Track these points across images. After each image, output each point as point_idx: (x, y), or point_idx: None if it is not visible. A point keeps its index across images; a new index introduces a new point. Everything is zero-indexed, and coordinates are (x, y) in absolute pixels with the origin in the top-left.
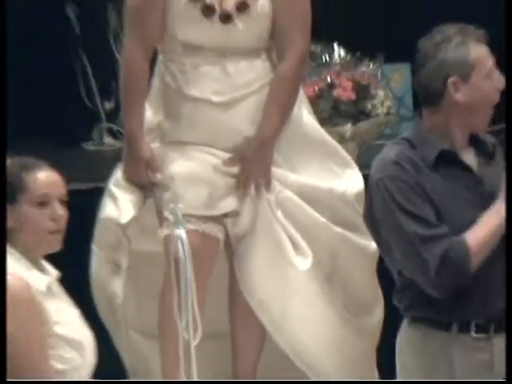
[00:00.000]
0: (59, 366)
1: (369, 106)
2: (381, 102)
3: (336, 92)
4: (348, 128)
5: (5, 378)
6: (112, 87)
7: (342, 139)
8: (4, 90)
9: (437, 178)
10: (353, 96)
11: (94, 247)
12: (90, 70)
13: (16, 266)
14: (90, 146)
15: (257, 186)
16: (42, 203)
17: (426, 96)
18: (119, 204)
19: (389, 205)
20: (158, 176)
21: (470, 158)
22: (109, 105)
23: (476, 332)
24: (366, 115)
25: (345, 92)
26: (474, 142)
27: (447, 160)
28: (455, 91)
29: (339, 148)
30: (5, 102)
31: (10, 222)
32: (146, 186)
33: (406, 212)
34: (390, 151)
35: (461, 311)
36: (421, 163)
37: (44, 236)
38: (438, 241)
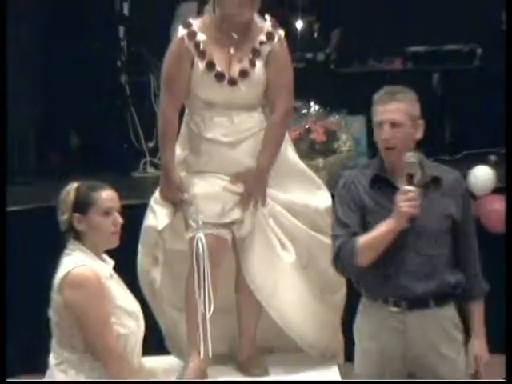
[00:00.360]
0: (122, 330)
1: (335, 146)
2: (344, 142)
3: (312, 135)
4: (320, 161)
5: (5, 378)
6: (153, 132)
7: (316, 169)
8: (4, 91)
9: (372, 194)
10: (324, 138)
11: (140, 246)
12: (137, 120)
13: (86, 259)
14: (137, 174)
15: (255, 201)
16: (106, 213)
17: None
18: (157, 215)
19: (333, 210)
20: (185, 195)
21: (402, 184)
22: (151, 144)
23: (393, 306)
24: (333, 152)
25: (318, 135)
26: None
27: (381, 182)
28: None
29: (314, 175)
30: (5, 105)
31: (82, 227)
32: (177, 202)
33: (336, 216)
34: (349, 172)
35: (383, 290)
36: (364, 182)
37: (108, 236)
38: (340, 238)
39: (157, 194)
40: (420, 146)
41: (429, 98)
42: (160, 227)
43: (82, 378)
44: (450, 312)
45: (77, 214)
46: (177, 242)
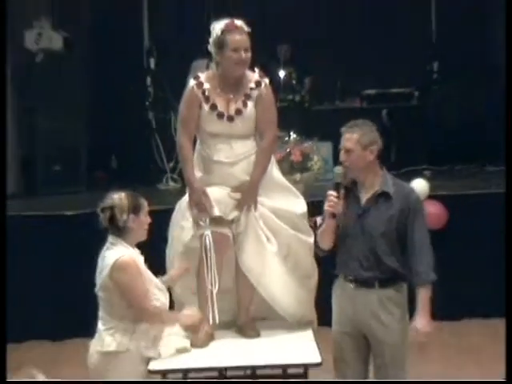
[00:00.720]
0: (156, 303)
1: (309, 165)
2: (315, 162)
3: (291, 157)
4: (298, 176)
5: (5, 378)
6: (172, 155)
7: (294, 183)
8: (4, 91)
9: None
10: (300, 159)
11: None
12: (160, 146)
13: (126, 250)
14: (161, 187)
15: (249, 206)
16: (146, 214)
17: None
18: (184, 237)
19: None
20: (207, 198)
21: (364, 195)
22: (171, 164)
23: (349, 283)
24: (307, 170)
25: (296, 157)
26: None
27: (349, 192)
28: None
29: (293, 187)
30: (4, 105)
31: (134, 225)
32: (201, 204)
33: None
34: None
35: (343, 271)
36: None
37: (144, 232)
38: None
39: (183, 210)
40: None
41: (378, 128)
42: (186, 239)
43: (125, 340)
44: (390, 292)
45: (132, 215)
46: (193, 241)
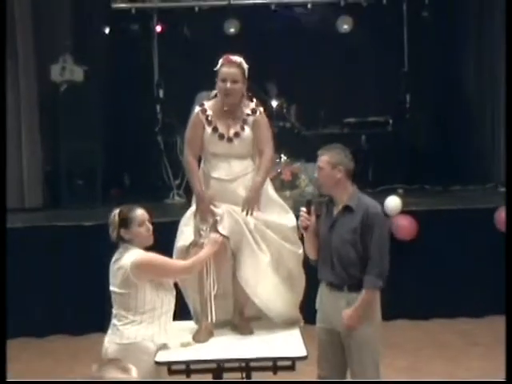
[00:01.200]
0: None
1: (297, 183)
2: (303, 180)
3: (282, 176)
4: (288, 193)
5: (5, 378)
6: (178, 173)
7: (284, 199)
8: (4, 92)
9: (325, 210)
10: (290, 178)
11: (174, 256)
12: (168, 165)
13: (138, 250)
14: (168, 201)
15: (251, 210)
16: (141, 224)
17: None
18: (185, 234)
19: None
20: (215, 209)
21: (336, 209)
22: (177, 181)
23: (325, 286)
24: (296, 187)
25: (286, 176)
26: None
27: (328, 207)
28: None
29: (284, 203)
30: (5, 108)
31: (127, 236)
32: (209, 215)
33: None
34: None
35: (321, 276)
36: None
37: (145, 239)
38: None
39: (185, 219)
40: (353, 182)
41: (358, 152)
42: (187, 243)
43: (140, 332)
44: (358, 295)
45: (122, 229)
46: (187, 245)
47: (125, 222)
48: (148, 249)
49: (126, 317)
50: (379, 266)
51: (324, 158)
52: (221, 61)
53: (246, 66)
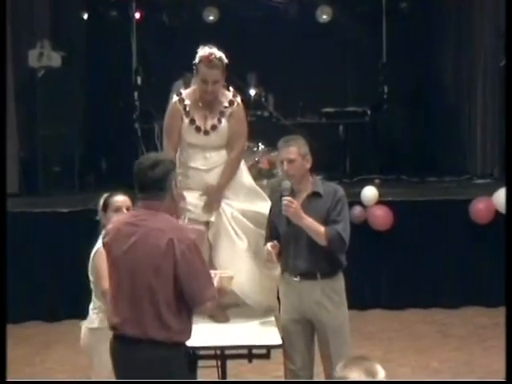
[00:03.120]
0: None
1: (274, 172)
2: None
3: (260, 165)
4: (265, 182)
5: (5, 378)
6: None
7: (262, 187)
8: (4, 93)
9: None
10: (268, 167)
11: None
12: (145, 153)
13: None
14: None
15: (212, 208)
16: (116, 210)
17: None
18: None
19: None
20: (181, 204)
21: (299, 200)
22: None
23: (294, 277)
24: (273, 176)
25: (264, 165)
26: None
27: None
28: None
29: (261, 191)
30: (4, 105)
31: (104, 221)
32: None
33: None
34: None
35: (286, 268)
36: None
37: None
38: None
39: None
40: (330, 172)
41: (335, 141)
42: None
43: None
44: (330, 282)
45: (102, 213)
46: None
47: (104, 206)
48: None
49: (96, 303)
50: (344, 234)
51: (294, 149)
52: (200, 55)
53: (225, 60)
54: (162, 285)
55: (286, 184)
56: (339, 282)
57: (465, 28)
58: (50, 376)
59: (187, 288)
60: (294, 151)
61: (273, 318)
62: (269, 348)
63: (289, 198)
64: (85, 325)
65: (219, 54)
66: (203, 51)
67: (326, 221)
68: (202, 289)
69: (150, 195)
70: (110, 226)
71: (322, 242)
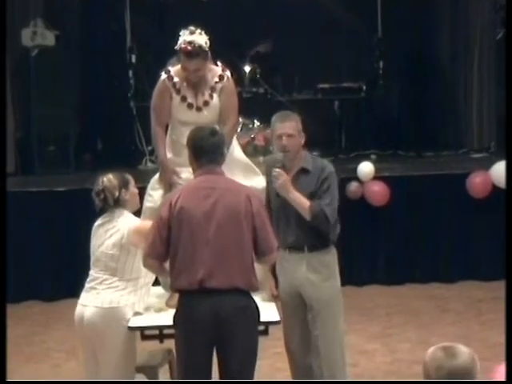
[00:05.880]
0: None
1: (270, 149)
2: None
3: (256, 142)
4: (261, 159)
5: (5, 378)
6: (150, 140)
7: (258, 164)
8: (4, 93)
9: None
10: (263, 143)
11: (142, 217)
12: (140, 131)
13: (134, 217)
14: (141, 167)
15: None
16: (134, 186)
17: None
18: (153, 198)
19: None
20: (177, 178)
21: (289, 173)
22: (150, 147)
23: (282, 251)
24: (269, 152)
25: (259, 142)
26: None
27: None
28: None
29: (255, 167)
30: (4, 107)
31: (128, 197)
32: (171, 183)
33: None
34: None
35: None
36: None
37: (137, 200)
38: None
39: (152, 182)
40: (326, 148)
41: (331, 117)
42: (156, 206)
43: (123, 298)
44: (318, 255)
45: (123, 190)
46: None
47: (125, 182)
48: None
49: (111, 281)
50: (328, 211)
51: (293, 124)
52: (180, 44)
53: (205, 39)
54: (246, 237)
55: (279, 156)
56: (329, 256)
57: (461, 1)
58: (50, 355)
59: (261, 239)
60: (293, 126)
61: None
62: (267, 324)
63: (278, 170)
64: (91, 303)
65: (200, 41)
66: (183, 38)
67: (312, 197)
68: (272, 239)
69: (212, 160)
70: (175, 195)
71: (307, 216)
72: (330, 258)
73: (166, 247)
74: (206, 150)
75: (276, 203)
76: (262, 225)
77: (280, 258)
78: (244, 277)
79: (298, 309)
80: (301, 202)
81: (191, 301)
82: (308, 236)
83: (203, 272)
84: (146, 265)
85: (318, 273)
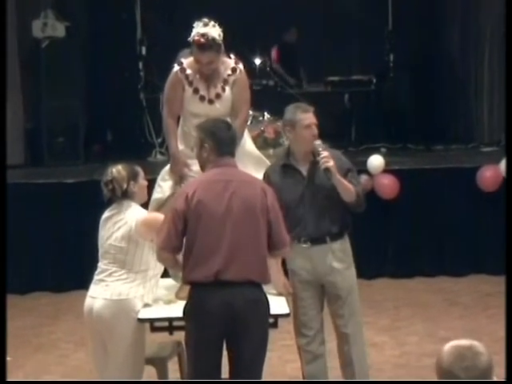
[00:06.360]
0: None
1: (281, 141)
2: (286, 139)
3: (266, 134)
4: (271, 151)
5: (5, 378)
6: (161, 131)
7: (268, 157)
8: (4, 93)
9: (282, 176)
10: (273, 136)
11: (149, 208)
12: (150, 123)
13: (141, 208)
14: (150, 159)
15: None
16: (143, 178)
17: None
18: (163, 189)
19: None
20: (188, 170)
21: (303, 167)
22: (159, 139)
23: (303, 243)
24: (280, 145)
25: (270, 134)
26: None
27: (288, 167)
28: (288, 134)
29: (265, 159)
30: (4, 106)
31: (136, 189)
32: (182, 175)
33: None
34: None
35: (294, 233)
36: (278, 169)
37: (145, 193)
38: None
39: (163, 173)
40: (336, 141)
41: (341, 110)
42: (165, 196)
43: (132, 290)
44: (339, 244)
45: (132, 182)
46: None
47: (134, 174)
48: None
49: (120, 273)
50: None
51: (313, 115)
52: (193, 36)
53: (218, 32)
54: (261, 230)
55: (319, 141)
56: (347, 244)
57: None
58: (58, 346)
59: (274, 232)
60: (313, 117)
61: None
62: (276, 317)
63: (326, 153)
64: (101, 295)
65: (213, 33)
66: (197, 31)
67: (334, 190)
68: (284, 233)
69: (229, 152)
70: (190, 187)
71: (351, 197)
72: (348, 246)
73: (181, 240)
74: (226, 143)
75: (295, 194)
76: (276, 219)
77: (298, 250)
78: (258, 270)
79: (316, 298)
80: (345, 182)
81: (204, 293)
82: (330, 225)
83: (220, 265)
84: (160, 258)
85: (342, 261)
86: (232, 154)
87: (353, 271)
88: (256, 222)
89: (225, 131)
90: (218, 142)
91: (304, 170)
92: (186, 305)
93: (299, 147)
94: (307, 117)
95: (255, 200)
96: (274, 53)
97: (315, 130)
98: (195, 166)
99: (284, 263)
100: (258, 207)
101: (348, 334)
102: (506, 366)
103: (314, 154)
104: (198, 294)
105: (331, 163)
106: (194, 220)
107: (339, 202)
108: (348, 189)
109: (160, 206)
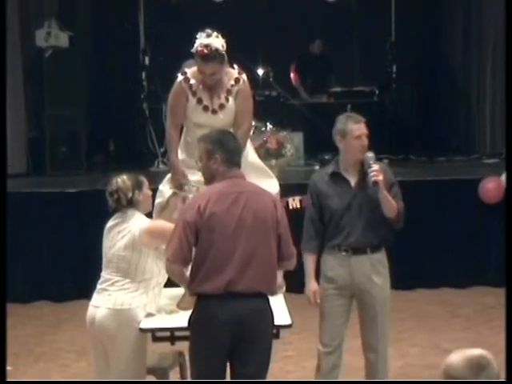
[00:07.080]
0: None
1: (283, 152)
2: (289, 150)
3: (268, 145)
4: (273, 162)
5: (5, 378)
6: (163, 141)
7: (270, 167)
8: (4, 93)
9: (329, 184)
10: (276, 147)
11: (153, 214)
12: (153, 133)
13: (145, 218)
14: (153, 169)
15: None
16: (148, 187)
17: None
18: (163, 194)
19: None
20: (186, 180)
21: (351, 176)
22: (162, 149)
23: (342, 252)
24: (282, 156)
25: (272, 145)
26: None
27: (337, 175)
28: (339, 144)
29: (268, 170)
30: (4, 108)
31: (140, 198)
32: (180, 185)
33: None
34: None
35: (332, 242)
36: (326, 177)
37: (150, 202)
38: None
39: (164, 181)
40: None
41: None
42: (165, 198)
43: (135, 299)
44: (378, 256)
45: (137, 191)
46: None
47: (138, 183)
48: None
49: (123, 283)
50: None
51: (364, 126)
52: (196, 47)
53: (222, 42)
54: (272, 242)
55: (371, 153)
56: (384, 257)
57: (475, 5)
58: (59, 355)
59: (283, 244)
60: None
61: (282, 298)
62: (278, 328)
63: (377, 166)
64: (103, 305)
65: (216, 44)
66: (200, 41)
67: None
68: (291, 245)
69: (237, 163)
70: (202, 199)
71: (392, 213)
72: (386, 259)
73: (192, 252)
74: (235, 153)
75: (341, 203)
76: (285, 231)
77: (331, 257)
78: (267, 282)
79: (346, 307)
80: (390, 198)
81: (212, 304)
82: (373, 237)
83: (231, 276)
84: (170, 271)
85: (380, 274)
86: (239, 165)
87: (388, 284)
88: (267, 234)
89: (232, 142)
90: (228, 152)
91: (352, 179)
92: (192, 315)
93: (348, 157)
94: (358, 127)
95: (266, 212)
96: (292, 72)
97: (365, 141)
98: (196, 176)
99: (317, 271)
100: (269, 219)
101: (377, 347)
102: (506, 366)
103: (364, 165)
104: (206, 304)
105: (381, 177)
106: (206, 232)
107: (383, 216)
108: (391, 205)
109: (163, 209)
